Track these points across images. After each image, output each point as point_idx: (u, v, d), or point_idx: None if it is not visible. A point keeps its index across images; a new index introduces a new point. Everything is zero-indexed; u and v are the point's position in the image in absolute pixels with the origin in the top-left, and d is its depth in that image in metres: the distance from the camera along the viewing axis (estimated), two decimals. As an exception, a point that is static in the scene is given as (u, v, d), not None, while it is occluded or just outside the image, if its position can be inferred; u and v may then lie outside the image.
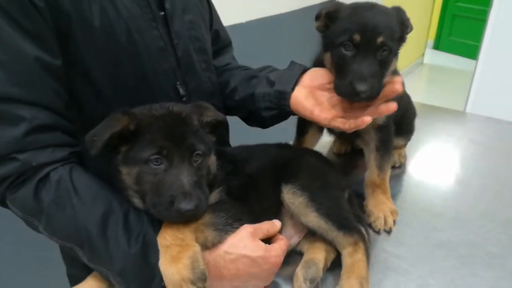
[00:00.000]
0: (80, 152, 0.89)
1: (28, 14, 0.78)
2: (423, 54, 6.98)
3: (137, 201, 0.85)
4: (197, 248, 0.76)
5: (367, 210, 1.17)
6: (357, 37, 0.96)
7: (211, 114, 0.91)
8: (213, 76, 1.16)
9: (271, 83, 1.10)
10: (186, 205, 0.76)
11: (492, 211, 1.20)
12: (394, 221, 1.14)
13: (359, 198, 1.21)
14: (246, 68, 1.27)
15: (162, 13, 0.99)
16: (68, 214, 0.80)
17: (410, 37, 1.07)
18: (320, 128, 1.34)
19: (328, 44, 1.04)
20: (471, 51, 6.32)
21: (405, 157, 1.50)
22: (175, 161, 0.80)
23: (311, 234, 0.99)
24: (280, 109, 1.10)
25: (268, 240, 0.90)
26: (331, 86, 1.04)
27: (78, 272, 1.00)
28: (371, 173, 1.20)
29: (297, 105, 1.05)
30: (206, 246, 0.82)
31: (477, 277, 0.96)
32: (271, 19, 2.91)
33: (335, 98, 1.03)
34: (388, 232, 1.12)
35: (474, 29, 6.40)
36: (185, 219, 0.79)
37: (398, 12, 1.03)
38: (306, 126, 1.31)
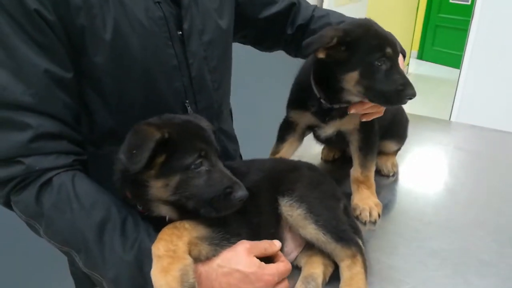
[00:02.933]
0: (86, 160, 0.90)
1: (39, 28, 0.81)
2: (408, 64, 7.10)
3: (165, 210, 0.85)
4: (188, 261, 0.76)
5: (353, 204, 1.23)
6: (389, 50, 1.03)
7: (204, 123, 0.92)
8: (225, 97, 1.18)
9: None
10: (243, 192, 0.81)
11: (482, 218, 1.22)
12: (379, 214, 1.21)
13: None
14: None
15: (180, 32, 0.99)
16: (66, 218, 0.82)
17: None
18: (300, 137, 1.36)
19: (354, 65, 1.04)
20: (454, 60, 6.47)
21: (396, 166, 1.51)
22: (213, 160, 0.84)
23: (309, 248, 0.99)
24: None
25: (270, 260, 0.89)
26: None
27: (80, 270, 0.99)
28: (354, 170, 1.27)
29: None
30: (200, 260, 0.82)
31: (471, 285, 0.96)
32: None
33: None
34: (374, 223, 1.19)
35: (457, 39, 6.58)
36: (240, 206, 0.83)
37: None
38: (287, 134, 1.34)
